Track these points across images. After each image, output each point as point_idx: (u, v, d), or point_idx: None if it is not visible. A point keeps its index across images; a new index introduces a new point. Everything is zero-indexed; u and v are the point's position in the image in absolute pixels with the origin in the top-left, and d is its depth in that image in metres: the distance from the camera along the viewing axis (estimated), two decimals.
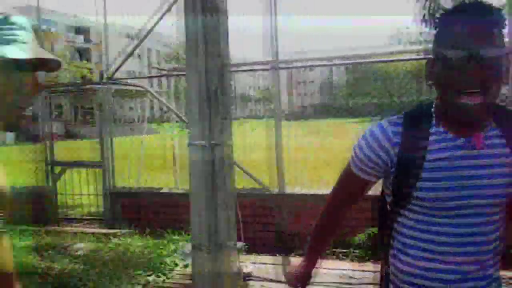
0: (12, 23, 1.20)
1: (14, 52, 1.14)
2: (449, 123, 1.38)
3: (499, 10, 1.31)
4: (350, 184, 1.57)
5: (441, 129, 1.39)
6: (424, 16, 4.42)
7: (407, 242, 1.45)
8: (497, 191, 1.35)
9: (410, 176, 1.39)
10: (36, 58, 1.18)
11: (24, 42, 1.18)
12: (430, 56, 1.40)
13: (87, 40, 66.91)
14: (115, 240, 5.12)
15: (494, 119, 1.38)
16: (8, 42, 1.16)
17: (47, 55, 1.22)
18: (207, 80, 3.15)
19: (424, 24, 4.46)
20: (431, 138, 1.39)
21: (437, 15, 1.39)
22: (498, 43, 1.27)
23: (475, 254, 1.37)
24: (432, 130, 1.40)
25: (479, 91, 1.25)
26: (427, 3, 4.36)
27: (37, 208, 6.47)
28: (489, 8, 1.29)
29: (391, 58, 7.12)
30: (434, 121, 1.39)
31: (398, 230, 1.48)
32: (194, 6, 3.09)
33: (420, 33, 4.57)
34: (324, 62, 7.45)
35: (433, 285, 1.41)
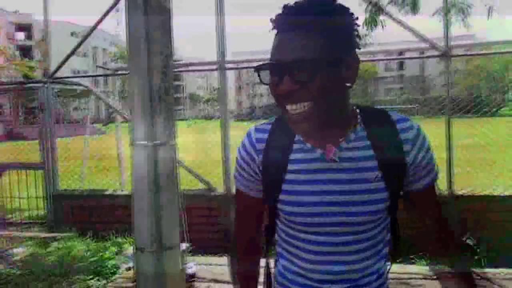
0: None
1: None
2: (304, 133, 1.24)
3: (320, 12, 1.12)
4: (243, 205, 1.42)
5: (302, 139, 1.26)
6: (366, 19, 4.53)
7: (281, 252, 1.39)
8: (364, 208, 1.22)
9: (273, 187, 1.27)
10: None
11: None
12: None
13: (29, 37, 64.54)
14: (55, 244, 4.94)
15: (362, 126, 1.25)
16: None
17: None
18: (150, 80, 3.10)
19: (366, 28, 4.56)
20: (294, 147, 1.26)
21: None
22: (318, 49, 1.09)
23: (342, 273, 1.28)
24: (296, 138, 1.27)
25: (299, 102, 1.11)
26: (369, 7, 4.46)
27: None
28: (305, 12, 1.12)
29: None
30: None
31: (277, 240, 1.40)
32: (136, 4, 3.03)
33: (365, 35, 4.69)
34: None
35: None
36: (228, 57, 5.73)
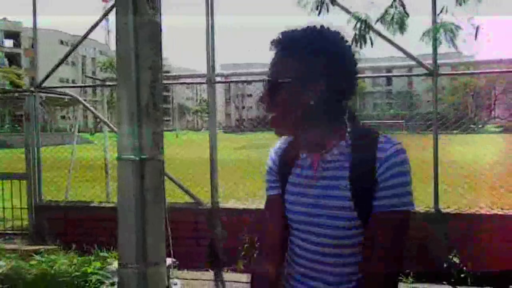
0: None
1: None
2: (299, 144, 1.44)
3: (312, 38, 1.33)
4: (270, 210, 1.53)
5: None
6: (355, 35, 4.56)
7: (289, 254, 1.49)
8: (332, 222, 1.32)
9: (282, 190, 1.47)
10: None
11: None
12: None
13: (17, 45, 64.19)
14: (38, 257, 4.85)
15: (348, 144, 1.34)
16: None
17: None
18: (138, 93, 3.06)
19: (355, 44, 4.59)
20: (300, 155, 1.45)
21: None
22: (305, 70, 1.30)
23: (325, 273, 1.37)
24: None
25: (282, 115, 1.34)
26: (358, 24, 4.50)
27: None
28: (297, 36, 1.33)
29: None
30: None
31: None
32: (126, 17, 3.01)
33: (353, 54, 4.72)
34: (263, 77, 7.50)
35: None
36: (217, 69, 5.73)
